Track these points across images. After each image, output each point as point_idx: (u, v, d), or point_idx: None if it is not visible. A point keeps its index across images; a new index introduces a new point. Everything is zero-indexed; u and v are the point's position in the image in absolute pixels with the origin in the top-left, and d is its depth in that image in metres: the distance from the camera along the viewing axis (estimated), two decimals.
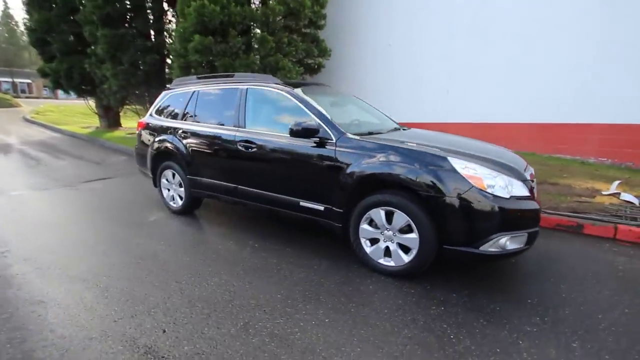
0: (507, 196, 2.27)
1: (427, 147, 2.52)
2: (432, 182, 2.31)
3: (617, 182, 4.46)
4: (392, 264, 2.59)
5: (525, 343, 1.91)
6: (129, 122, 14.89)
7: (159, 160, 4.11)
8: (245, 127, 3.32)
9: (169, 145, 3.91)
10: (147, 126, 4.28)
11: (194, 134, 3.68)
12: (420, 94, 8.36)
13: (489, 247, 2.26)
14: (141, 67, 9.96)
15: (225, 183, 3.50)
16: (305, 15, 7.85)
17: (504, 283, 2.55)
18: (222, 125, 3.51)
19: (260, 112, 3.34)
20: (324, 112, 2.92)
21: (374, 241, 2.68)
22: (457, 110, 7.76)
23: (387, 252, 2.61)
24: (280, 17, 7.64)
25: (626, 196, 3.94)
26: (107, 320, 2.09)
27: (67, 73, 10.93)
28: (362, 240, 2.70)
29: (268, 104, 3.33)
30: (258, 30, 7.71)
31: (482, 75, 7.26)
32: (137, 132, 4.50)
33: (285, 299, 2.33)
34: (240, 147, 3.26)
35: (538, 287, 2.48)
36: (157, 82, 10.85)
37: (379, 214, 2.56)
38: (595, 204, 4.17)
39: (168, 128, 3.98)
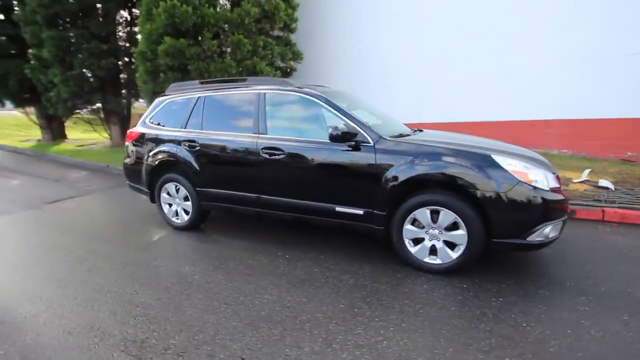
0: (547, 188, 2.45)
1: (468, 147, 2.63)
2: (482, 179, 2.41)
3: (587, 171, 5.03)
4: (438, 261, 2.66)
5: (587, 322, 2.07)
6: (75, 133, 13.46)
7: (159, 173, 3.78)
8: (267, 134, 3.18)
9: (172, 156, 3.60)
10: (141, 137, 3.90)
11: (205, 143, 3.44)
12: (392, 97, 8.67)
13: (536, 237, 2.42)
14: (95, 73, 9.05)
15: (244, 193, 3.31)
16: (280, 18, 7.75)
17: (538, 269, 2.74)
18: (239, 132, 3.33)
19: (283, 118, 3.23)
20: (356, 116, 2.91)
21: (417, 241, 2.72)
22: (428, 111, 8.17)
23: (432, 251, 2.68)
24: (255, 20, 7.45)
25: (603, 182, 4.46)
26: None
27: (2, 79, 9.57)
28: (406, 241, 2.74)
29: (290, 109, 3.22)
30: (232, 33, 7.42)
31: (450, 77, 7.74)
32: (125, 144, 4.09)
33: (349, 307, 2.27)
34: (263, 155, 3.12)
35: (568, 270, 2.71)
36: (114, 88, 9.97)
37: (425, 213, 2.61)
38: (571, 191, 4.66)
39: (170, 137, 3.67)
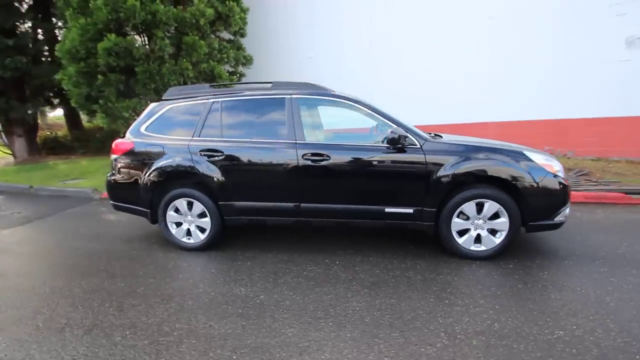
0: (564, 177, 2.99)
1: (501, 145, 3.02)
2: (522, 173, 2.81)
3: None
4: (482, 248, 2.97)
5: (614, 279, 2.60)
6: None
7: (165, 189, 3.30)
8: (305, 140, 3.09)
9: (186, 168, 3.20)
10: (135, 148, 3.34)
11: (232, 152, 3.15)
12: None
13: (559, 218, 2.92)
14: None
15: (281, 203, 3.14)
16: (236, 21, 7.44)
17: (548, 247, 3.27)
18: (271, 138, 3.15)
19: (319, 122, 3.18)
20: (400, 119, 3.05)
21: (462, 232, 3.00)
22: None
23: (476, 240, 2.99)
24: (209, 22, 6.99)
25: None
26: None
27: None
28: (454, 233, 2.99)
29: (326, 113, 3.20)
30: (185, 34, 6.80)
31: (398, 85, 8.49)
32: (114, 156, 3.45)
33: (438, 300, 2.39)
34: (306, 161, 3.02)
35: (569, 243, 3.31)
36: (19, 92, 8.08)
37: (471, 206, 2.90)
38: None
39: (180, 148, 3.24)
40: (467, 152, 2.91)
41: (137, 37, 6.35)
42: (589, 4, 6.32)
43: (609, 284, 2.53)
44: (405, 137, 2.90)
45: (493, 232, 2.95)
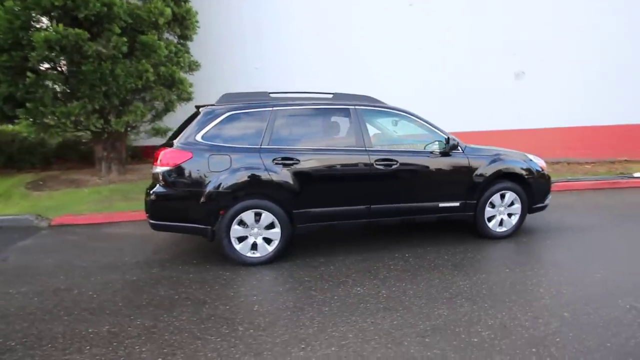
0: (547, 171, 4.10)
1: (510, 150, 3.93)
2: (531, 169, 3.78)
3: None
4: (504, 229, 3.81)
5: (597, 243, 3.76)
6: None
7: (232, 201, 3.07)
8: (372, 147, 3.38)
9: (260, 177, 3.06)
10: (195, 158, 3.00)
11: (308, 160, 3.19)
12: None
13: (547, 201, 4.00)
14: None
15: (354, 207, 3.34)
16: (192, 24, 6.95)
17: (540, 222, 4.34)
18: (341, 146, 3.34)
19: (382, 131, 3.51)
20: (443, 129, 3.66)
21: (490, 219, 3.78)
22: None
23: (500, 223, 3.81)
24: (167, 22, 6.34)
25: None
26: None
27: None
28: (486, 219, 3.74)
29: (387, 123, 3.56)
30: (141, 33, 5.98)
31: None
32: (164, 168, 2.98)
33: (501, 269, 3.05)
34: (377, 166, 3.31)
35: (549, 221, 4.48)
36: None
37: (497, 197, 3.72)
38: None
39: (251, 156, 3.08)
40: (493, 155, 3.72)
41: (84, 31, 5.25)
42: (491, 47, 8.32)
43: (606, 243, 3.68)
44: (457, 144, 3.53)
45: (509, 215, 3.83)
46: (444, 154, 3.54)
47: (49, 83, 5.17)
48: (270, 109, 3.26)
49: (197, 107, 3.60)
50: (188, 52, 7.63)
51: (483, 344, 2.04)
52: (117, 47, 5.42)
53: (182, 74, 6.70)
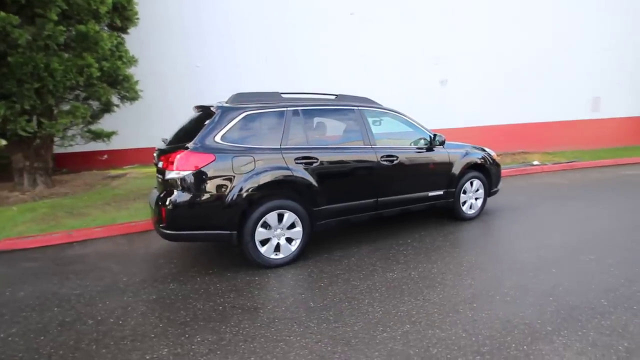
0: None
1: (473, 144, 4.65)
2: (490, 160, 4.55)
3: None
4: (473, 211, 4.52)
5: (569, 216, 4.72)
6: None
7: (256, 202, 3.00)
8: (375, 144, 3.66)
9: (284, 177, 3.07)
10: (219, 160, 2.83)
11: (326, 158, 3.30)
12: None
13: (499, 186, 4.86)
14: None
15: (364, 201, 3.57)
16: (133, 14, 6.24)
17: (504, 205, 5.21)
18: (350, 143, 3.54)
19: (380, 129, 3.80)
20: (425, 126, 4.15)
21: (465, 203, 4.44)
22: None
23: (470, 207, 4.50)
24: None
25: None
26: None
27: None
28: (461, 204, 4.38)
29: (384, 122, 3.86)
30: (80, 22, 5.13)
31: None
32: (184, 172, 2.73)
33: (472, 246, 3.68)
34: (383, 162, 3.62)
35: (511, 204, 5.40)
36: None
37: (468, 185, 4.39)
38: None
39: (273, 156, 3.06)
40: (465, 149, 4.39)
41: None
42: (418, 57, 9.45)
43: (577, 215, 4.62)
44: (444, 140, 4.06)
45: (476, 199, 4.56)
46: (432, 149, 4.05)
47: None
48: (285, 108, 3.28)
49: (199, 107, 3.39)
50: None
51: (515, 300, 2.50)
52: (53, 37, 4.58)
53: (127, 71, 5.97)
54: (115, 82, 5.71)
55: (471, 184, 4.41)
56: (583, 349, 1.98)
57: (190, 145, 2.88)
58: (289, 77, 9.01)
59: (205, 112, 3.20)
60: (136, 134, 8.15)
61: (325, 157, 3.32)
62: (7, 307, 2.60)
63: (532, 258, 3.25)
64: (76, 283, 2.99)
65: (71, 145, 5.62)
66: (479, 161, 4.45)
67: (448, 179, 4.18)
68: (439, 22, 9.41)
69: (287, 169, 3.11)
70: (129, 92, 5.99)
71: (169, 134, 3.48)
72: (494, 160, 4.67)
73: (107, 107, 6.12)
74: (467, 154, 4.37)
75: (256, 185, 2.96)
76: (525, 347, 2.01)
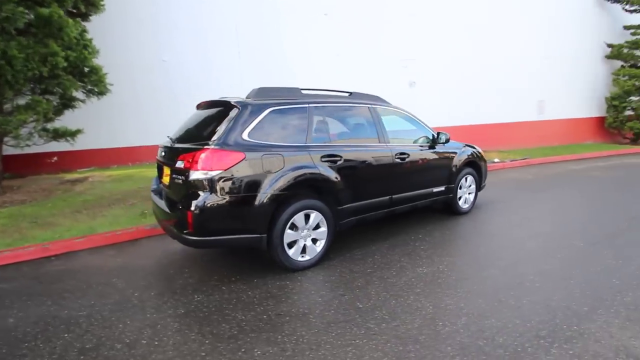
0: None
1: (465, 143, 4.90)
2: (479, 155, 4.83)
3: None
4: (467, 205, 4.77)
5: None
6: None
7: (288, 203, 2.86)
8: (389, 142, 3.69)
9: (313, 176, 2.96)
10: (249, 158, 2.63)
11: (349, 156, 3.26)
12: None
13: (485, 182, 5.19)
14: None
15: (380, 198, 3.58)
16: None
17: (487, 200, 5.55)
18: (367, 141, 3.54)
19: (391, 127, 3.82)
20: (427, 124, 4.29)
21: (460, 198, 4.67)
22: None
23: (464, 201, 4.75)
24: None
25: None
26: None
27: None
28: (458, 197, 4.60)
29: (393, 120, 3.89)
30: (41, 6, 4.43)
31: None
32: (212, 173, 2.47)
33: (469, 238, 3.92)
34: (397, 160, 3.66)
35: (497, 197, 5.74)
36: None
37: (464, 180, 4.63)
38: None
39: (300, 154, 2.93)
40: (461, 147, 4.61)
41: None
42: (389, 60, 9.76)
43: (557, 208, 5.02)
44: (449, 139, 4.22)
45: (469, 194, 4.82)
46: (434, 147, 4.20)
47: None
48: (307, 105, 3.16)
49: (210, 102, 3.15)
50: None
51: (543, 285, 2.68)
52: (12, 20, 3.91)
53: (95, 62, 5.32)
54: (81, 73, 5.05)
55: (466, 179, 4.65)
56: (623, 325, 2.18)
57: (214, 143, 2.64)
58: (262, 75, 8.75)
59: (222, 108, 2.97)
60: (96, 133, 7.31)
61: (347, 154, 3.27)
62: (2, 338, 2.15)
63: (534, 246, 3.51)
64: (77, 303, 2.58)
65: (28, 146, 4.84)
66: (472, 158, 4.72)
67: (449, 175, 4.37)
68: (407, 26, 9.82)
69: (315, 167, 3.00)
70: (97, 86, 5.34)
71: (161, 133, 3.17)
72: (482, 156, 4.99)
73: (69, 103, 5.39)
74: (463, 151, 4.61)
75: (287, 184, 2.81)
76: (575, 327, 2.16)
